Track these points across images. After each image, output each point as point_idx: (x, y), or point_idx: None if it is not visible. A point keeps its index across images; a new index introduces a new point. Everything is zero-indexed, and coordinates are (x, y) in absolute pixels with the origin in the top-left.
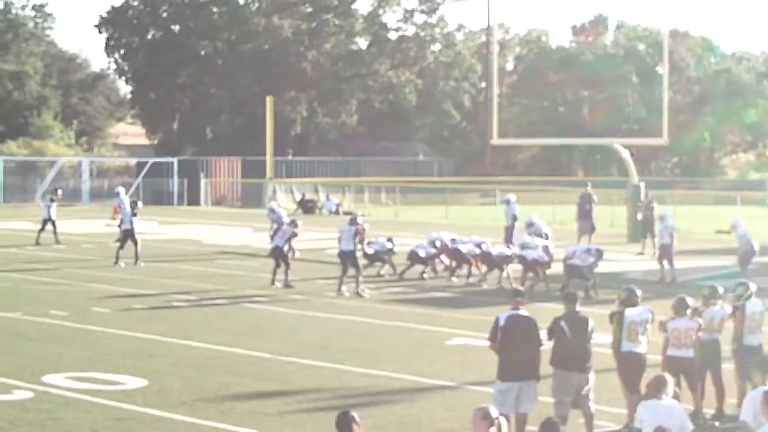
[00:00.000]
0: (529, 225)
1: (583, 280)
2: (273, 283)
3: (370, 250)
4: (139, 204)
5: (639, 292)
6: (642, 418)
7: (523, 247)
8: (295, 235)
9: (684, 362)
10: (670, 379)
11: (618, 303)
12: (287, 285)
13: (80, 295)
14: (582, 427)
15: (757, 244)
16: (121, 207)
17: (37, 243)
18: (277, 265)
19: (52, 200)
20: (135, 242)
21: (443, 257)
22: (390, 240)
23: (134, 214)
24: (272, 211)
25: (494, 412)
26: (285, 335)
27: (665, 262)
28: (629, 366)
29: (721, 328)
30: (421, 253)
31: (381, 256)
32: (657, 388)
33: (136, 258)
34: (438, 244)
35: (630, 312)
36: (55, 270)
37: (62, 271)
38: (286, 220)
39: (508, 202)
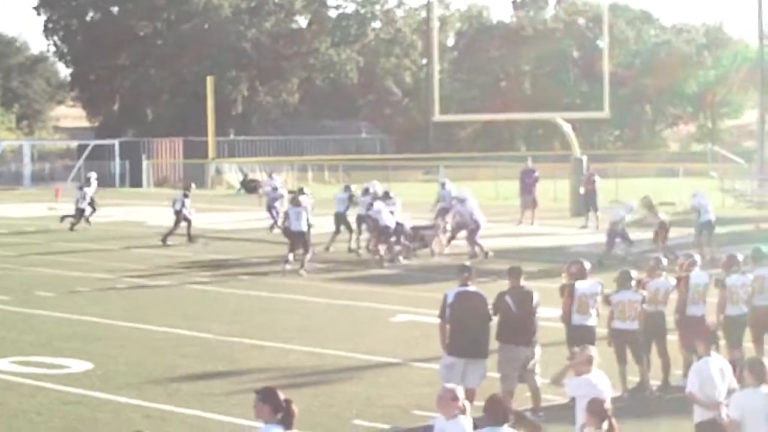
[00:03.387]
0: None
1: None
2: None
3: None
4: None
5: (588, 265)
6: (580, 392)
7: (376, 212)
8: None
9: (629, 335)
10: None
11: (567, 276)
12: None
13: (23, 278)
14: (528, 401)
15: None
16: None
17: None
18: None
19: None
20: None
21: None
22: None
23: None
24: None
25: (460, 392)
26: (230, 316)
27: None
28: (579, 339)
29: (666, 299)
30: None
31: None
32: (589, 362)
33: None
34: (371, 190)
35: (580, 285)
36: None
37: (4, 255)
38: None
39: (443, 186)
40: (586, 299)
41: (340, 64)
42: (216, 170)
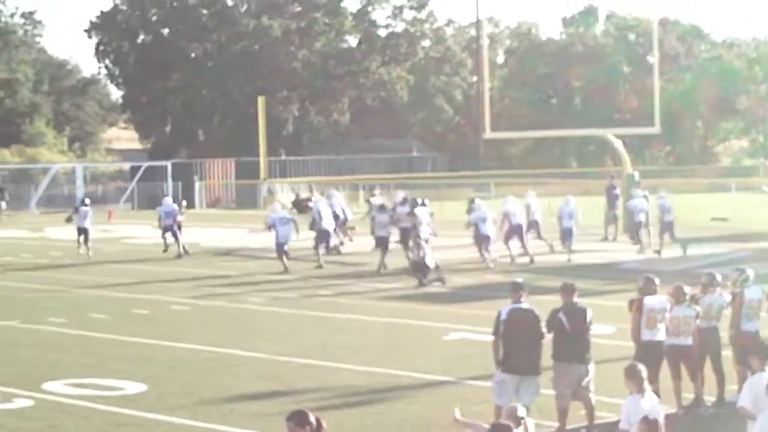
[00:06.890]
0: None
1: None
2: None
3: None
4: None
5: (657, 281)
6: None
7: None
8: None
9: (683, 350)
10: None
11: (638, 291)
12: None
13: (77, 301)
14: (583, 419)
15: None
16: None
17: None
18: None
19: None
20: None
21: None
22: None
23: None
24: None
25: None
26: (282, 335)
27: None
28: (648, 354)
29: (720, 315)
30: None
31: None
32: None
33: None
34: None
35: (649, 300)
36: (51, 277)
37: (59, 277)
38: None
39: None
40: (655, 314)
41: (390, 82)
42: (268, 190)
